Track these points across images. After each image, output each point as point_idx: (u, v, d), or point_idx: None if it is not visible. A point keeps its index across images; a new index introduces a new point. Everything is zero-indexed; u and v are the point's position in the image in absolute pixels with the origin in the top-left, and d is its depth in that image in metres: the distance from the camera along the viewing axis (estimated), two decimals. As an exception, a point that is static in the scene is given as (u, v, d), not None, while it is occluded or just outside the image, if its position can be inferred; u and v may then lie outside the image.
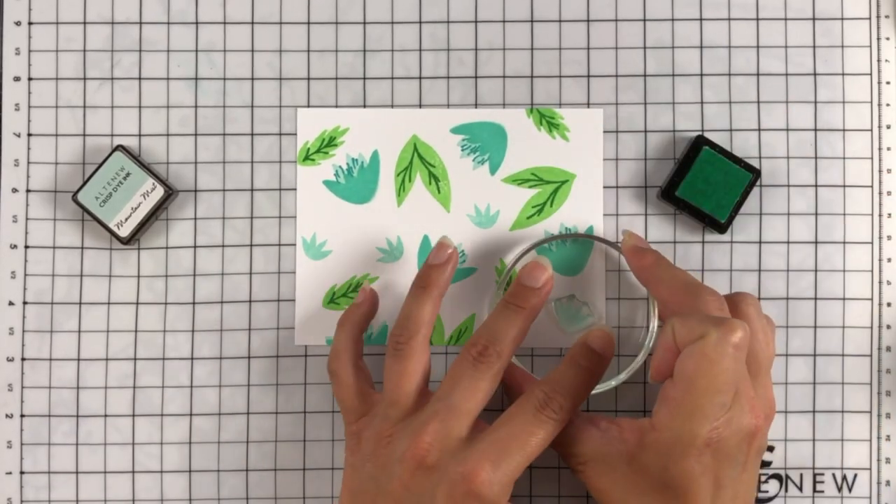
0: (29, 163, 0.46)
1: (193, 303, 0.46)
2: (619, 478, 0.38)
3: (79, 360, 0.46)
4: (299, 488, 0.46)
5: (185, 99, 0.46)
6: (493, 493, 0.37)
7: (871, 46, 0.46)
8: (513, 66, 0.47)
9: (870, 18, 0.46)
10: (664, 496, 0.36)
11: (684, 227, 0.46)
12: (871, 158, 0.46)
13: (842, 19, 0.46)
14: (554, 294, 0.46)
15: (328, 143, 0.46)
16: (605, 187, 0.46)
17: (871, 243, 0.46)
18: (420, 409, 0.40)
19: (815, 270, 0.46)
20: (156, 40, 0.47)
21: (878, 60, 0.46)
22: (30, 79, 0.47)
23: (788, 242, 0.46)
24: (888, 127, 0.46)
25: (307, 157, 0.46)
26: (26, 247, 0.46)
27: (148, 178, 0.45)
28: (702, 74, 0.46)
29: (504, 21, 0.47)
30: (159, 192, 0.45)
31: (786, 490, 0.46)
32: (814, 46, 0.46)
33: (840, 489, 0.46)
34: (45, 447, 0.46)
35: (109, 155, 0.45)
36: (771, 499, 0.46)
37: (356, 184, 0.46)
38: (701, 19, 0.47)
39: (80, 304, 0.46)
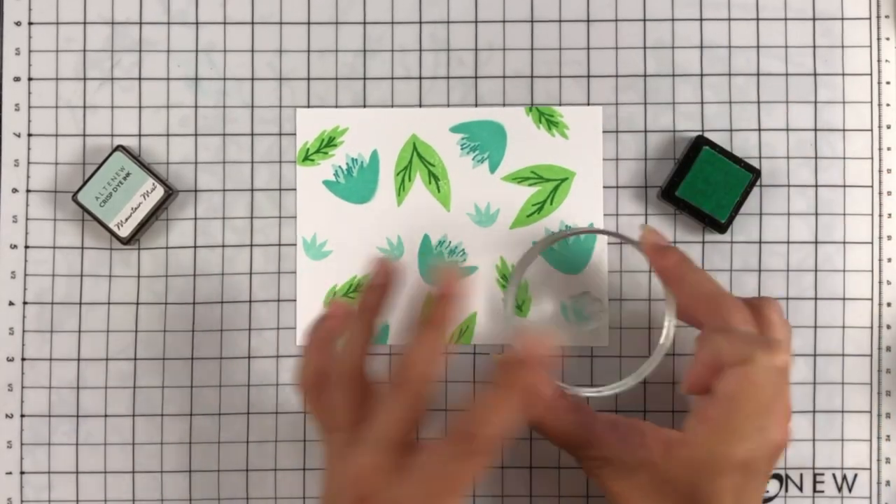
0: (29, 163, 0.46)
1: (193, 303, 0.46)
2: (637, 484, 0.37)
3: (79, 360, 0.46)
4: (299, 488, 0.46)
5: (185, 99, 0.47)
6: None
7: (871, 46, 0.46)
8: (513, 67, 0.47)
9: (870, 18, 0.46)
10: None
11: (684, 228, 0.46)
12: (871, 158, 0.46)
13: (842, 19, 0.46)
14: (556, 296, 0.46)
15: (327, 143, 0.46)
16: (605, 187, 0.46)
17: (872, 243, 0.46)
18: (355, 440, 0.37)
19: (815, 270, 0.46)
20: (156, 40, 0.47)
21: (878, 60, 0.46)
22: (30, 79, 0.47)
23: (788, 242, 0.46)
24: (888, 127, 0.46)
25: (307, 158, 0.46)
26: (26, 247, 0.46)
27: (148, 178, 0.45)
28: (702, 74, 0.46)
29: (504, 21, 0.47)
30: (159, 192, 0.45)
31: (786, 490, 0.46)
32: (814, 46, 0.46)
33: (840, 489, 0.46)
34: (45, 447, 0.46)
35: (109, 155, 0.45)
36: (771, 499, 0.46)
37: (356, 184, 0.46)
38: (701, 19, 0.47)
39: (80, 304, 0.46)
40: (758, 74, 0.46)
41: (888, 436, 0.46)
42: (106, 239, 0.46)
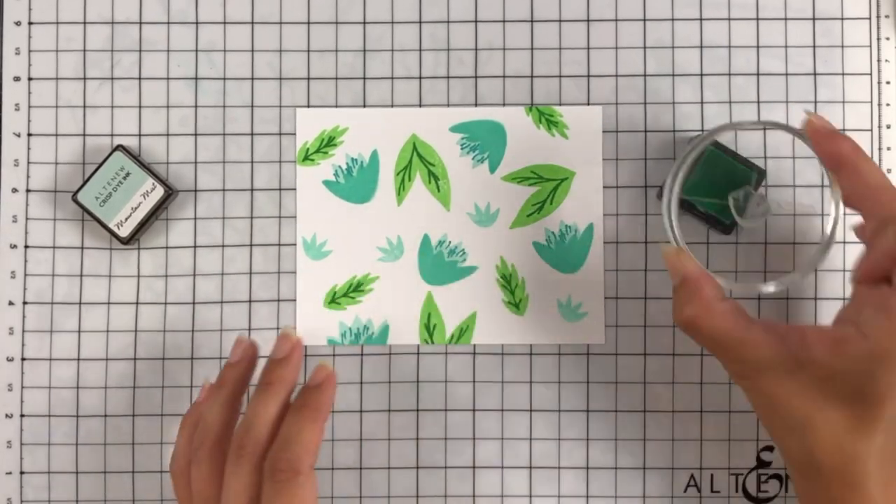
0: (29, 163, 0.46)
1: (193, 303, 0.46)
2: (797, 385, 0.37)
3: (79, 360, 0.46)
4: (299, 488, 0.46)
5: (185, 99, 0.47)
6: None
7: (871, 46, 0.46)
8: (513, 66, 0.47)
9: (870, 18, 0.46)
10: (853, 403, 0.36)
11: (688, 228, 0.46)
12: (872, 158, 0.46)
13: (842, 19, 0.46)
14: (553, 294, 0.46)
15: (327, 143, 0.46)
16: (605, 187, 0.46)
17: (872, 243, 0.46)
18: None
19: (816, 270, 0.46)
20: (156, 40, 0.47)
21: (878, 60, 0.46)
22: (30, 79, 0.47)
23: (794, 244, 0.46)
24: (888, 127, 0.46)
25: (307, 158, 0.46)
26: (26, 247, 0.46)
27: (148, 178, 0.45)
28: (702, 74, 0.46)
29: (504, 21, 0.47)
30: (159, 192, 0.45)
31: (786, 490, 0.46)
32: (814, 46, 0.46)
33: (841, 489, 0.46)
34: (45, 447, 0.46)
35: (109, 155, 0.45)
36: (771, 499, 0.46)
37: (356, 183, 0.46)
38: (701, 19, 0.47)
39: (80, 304, 0.46)
40: (758, 74, 0.46)
41: (889, 436, 0.46)
42: (106, 239, 0.46)
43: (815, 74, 0.46)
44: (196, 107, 0.47)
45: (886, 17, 0.46)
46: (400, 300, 0.46)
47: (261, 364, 0.41)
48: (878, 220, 0.37)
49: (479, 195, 0.46)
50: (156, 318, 0.46)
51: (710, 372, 0.46)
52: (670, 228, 0.41)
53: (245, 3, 0.47)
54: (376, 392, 0.46)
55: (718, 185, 0.44)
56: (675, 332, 0.46)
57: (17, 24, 0.47)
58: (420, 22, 0.47)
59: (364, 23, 0.47)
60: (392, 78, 0.47)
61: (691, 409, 0.46)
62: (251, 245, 0.46)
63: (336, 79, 0.47)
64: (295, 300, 0.46)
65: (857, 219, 0.39)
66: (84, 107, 0.46)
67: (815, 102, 0.46)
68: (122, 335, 0.46)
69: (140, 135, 0.46)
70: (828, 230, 0.40)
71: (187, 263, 0.46)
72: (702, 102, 0.46)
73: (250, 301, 0.46)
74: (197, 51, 0.47)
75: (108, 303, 0.46)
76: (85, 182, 0.45)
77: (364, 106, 0.47)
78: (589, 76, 0.47)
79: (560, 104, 0.46)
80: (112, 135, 0.46)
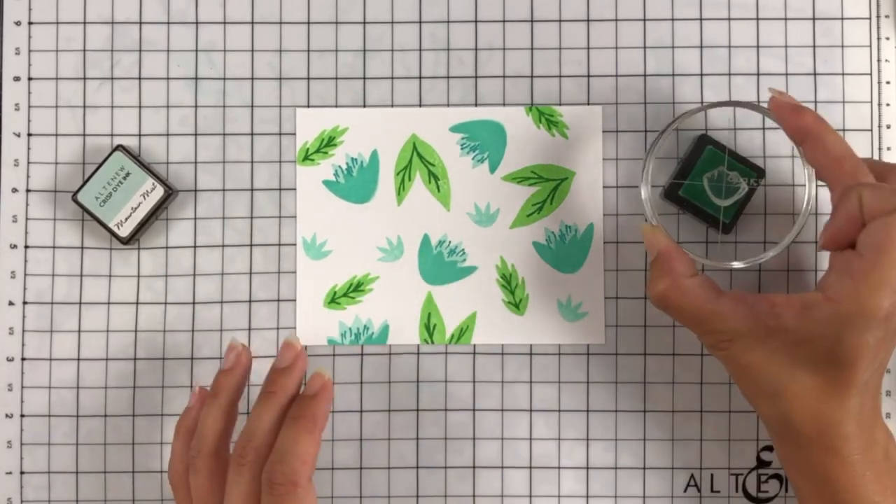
0: (29, 163, 0.46)
1: (193, 303, 0.46)
2: (769, 352, 0.38)
3: (79, 360, 0.46)
4: (299, 488, 0.46)
5: (185, 99, 0.47)
6: None
7: (871, 46, 0.46)
8: (513, 66, 0.47)
9: (870, 18, 0.46)
10: (824, 367, 0.37)
11: (687, 227, 0.46)
12: (871, 158, 0.46)
13: (842, 19, 0.46)
14: (553, 294, 0.46)
15: (327, 142, 0.46)
16: (605, 187, 0.46)
17: (872, 243, 0.46)
18: None
19: (816, 270, 0.46)
20: (156, 40, 0.47)
21: (878, 60, 0.46)
22: (30, 79, 0.47)
23: (792, 242, 0.46)
24: (888, 127, 0.46)
25: (306, 158, 0.46)
26: (26, 247, 0.46)
27: (148, 178, 0.45)
28: (702, 74, 0.46)
29: (504, 21, 0.47)
30: (159, 192, 0.45)
31: (786, 490, 0.46)
32: (814, 46, 0.46)
33: (841, 489, 0.46)
34: (45, 447, 0.46)
35: (109, 155, 0.45)
36: (771, 499, 0.46)
37: (356, 183, 0.46)
38: (701, 19, 0.47)
39: (80, 304, 0.46)
40: (758, 74, 0.46)
41: (888, 436, 0.46)
42: (106, 239, 0.46)
43: (815, 74, 0.46)
44: (196, 107, 0.47)
45: (886, 17, 0.46)
46: (400, 300, 0.46)
47: (262, 369, 0.41)
48: (841, 188, 0.38)
49: (479, 195, 0.46)
50: (156, 318, 0.46)
51: (710, 372, 0.46)
52: (645, 204, 0.43)
53: (245, 3, 0.47)
54: (376, 392, 0.46)
55: (717, 183, 0.44)
56: (676, 332, 0.46)
57: (17, 24, 0.47)
58: (420, 22, 0.47)
59: (364, 23, 0.47)
60: (392, 78, 0.47)
61: (691, 409, 0.46)
62: (251, 245, 0.46)
63: (336, 79, 0.47)
64: (295, 300, 0.46)
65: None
66: (84, 107, 0.46)
67: (815, 102, 0.46)
68: (122, 335, 0.46)
69: (140, 135, 0.46)
70: (804, 205, 0.42)
71: (187, 263, 0.46)
72: (702, 102, 0.46)
73: (250, 301, 0.46)
74: (197, 51, 0.47)
75: (108, 303, 0.46)
76: (85, 182, 0.45)
77: (364, 106, 0.47)
78: (589, 76, 0.47)
79: (560, 104, 0.46)
80: (112, 135, 0.46)
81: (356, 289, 0.46)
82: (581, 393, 0.46)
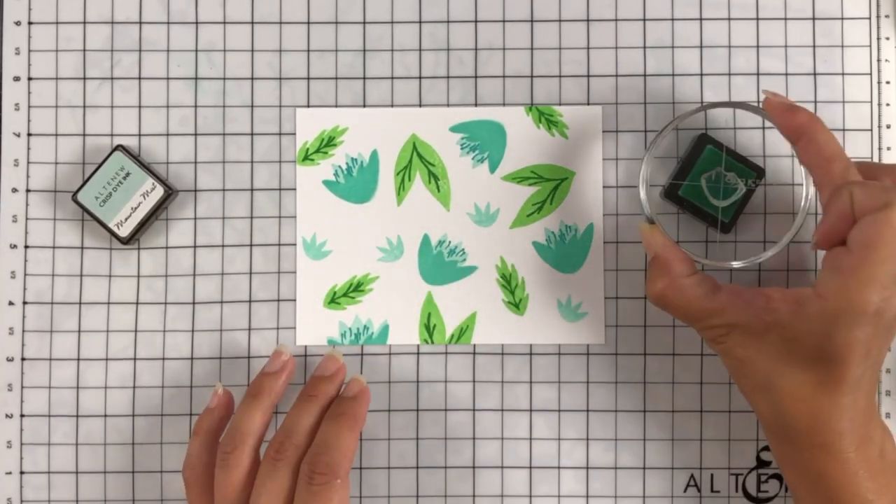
0: (29, 163, 0.46)
1: (193, 303, 0.46)
2: (765, 347, 0.38)
3: (79, 360, 0.46)
4: (299, 488, 0.46)
5: (185, 99, 0.47)
6: None
7: (871, 46, 0.46)
8: (513, 66, 0.47)
9: (870, 18, 0.46)
10: (816, 364, 0.37)
11: (687, 227, 0.46)
12: (871, 158, 0.46)
13: (842, 19, 0.46)
14: (553, 294, 0.46)
15: (327, 143, 0.46)
16: (605, 187, 0.46)
17: (872, 243, 0.46)
18: None
19: (816, 269, 0.46)
20: (156, 40, 0.47)
21: (878, 60, 0.46)
22: (30, 79, 0.47)
23: (791, 242, 0.46)
24: (888, 127, 0.46)
25: (306, 158, 0.46)
26: (26, 247, 0.46)
27: (148, 178, 0.45)
28: (702, 74, 0.46)
29: (504, 21, 0.47)
30: (159, 192, 0.45)
31: (786, 490, 0.46)
32: (814, 46, 0.46)
33: (841, 489, 0.46)
34: (45, 447, 0.46)
35: (109, 155, 0.45)
36: (771, 499, 0.46)
37: (356, 183, 0.46)
38: (701, 19, 0.47)
39: (80, 304, 0.46)
40: (758, 74, 0.46)
41: (888, 436, 0.46)
42: (106, 239, 0.46)
43: (815, 74, 0.46)
44: (196, 107, 0.47)
45: (886, 17, 0.46)
46: (400, 300, 0.46)
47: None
48: (832, 188, 0.38)
49: (479, 195, 0.46)
50: (156, 318, 0.46)
51: (710, 372, 0.46)
52: (643, 203, 0.43)
53: (245, 3, 0.47)
54: (376, 392, 0.46)
55: (715, 184, 0.44)
56: (676, 332, 0.46)
57: (17, 24, 0.47)
58: (420, 22, 0.47)
59: (364, 23, 0.47)
60: (392, 78, 0.47)
61: (691, 409, 0.46)
62: (251, 245, 0.46)
63: (336, 79, 0.47)
64: (295, 300, 0.46)
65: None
66: (84, 107, 0.46)
67: (815, 102, 0.46)
68: (122, 335, 0.46)
69: (140, 135, 0.46)
70: (802, 202, 0.42)
71: (187, 263, 0.46)
72: (702, 102, 0.46)
73: (250, 301, 0.46)
74: (197, 51, 0.47)
75: (108, 303, 0.46)
76: (85, 182, 0.45)
77: (364, 106, 0.47)
78: (589, 76, 0.46)
79: (560, 104, 0.46)
80: (112, 135, 0.46)
81: (356, 289, 0.46)
82: (581, 393, 0.46)
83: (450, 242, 0.46)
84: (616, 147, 0.46)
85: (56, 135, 0.46)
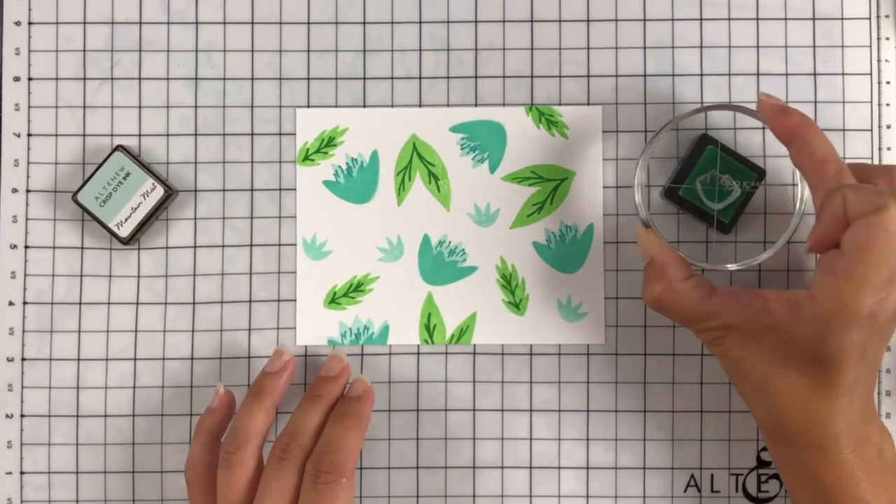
0: (29, 163, 0.46)
1: (193, 303, 0.46)
2: (760, 349, 0.38)
3: (79, 360, 0.46)
4: (299, 488, 0.46)
5: (185, 99, 0.47)
6: None
7: (871, 46, 0.46)
8: (513, 66, 0.47)
9: (870, 18, 0.46)
10: (811, 366, 0.37)
11: (687, 227, 0.46)
12: (871, 158, 0.46)
13: (842, 19, 0.46)
14: (553, 294, 0.46)
15: (327, 143, 0.46)
16: (605, 187, 0.46)
17: (872, 243, 0.46)
18: None
19: (815, 271, 0.46)
20: (156, 40, 0.47)
21: (878, 60, 0.46)
22: (30, 79, 0.47)
23: (790, 242, 0.46)
24: (888, 127, 0.46)
25: (306, 158, 0.46)
26: (26, 247, 0.46)
27: (148, 178, 0.45)
28: (702, 74, 0.46)
29: (504, 21, 0.47)
30: (159, 192, 0.45)
31: (786, 490, 0.46)
32: (814, 46, 0.46)
33: (841, 489, 0.46)
34: (45, 447, 0.46)
35: (109, 155, 0.45)
36: (771, 499, 0.46)
37: (356, 184, 0.46)
38: (701, 19, 0.47)
39: (80, 304, 0.46)
40: (758, 74, 0.46)
41: (888, 436, 0.46)
42: (106, 239, 0.46)
43: (815, 74, 0.46)
44: (196, 107, 0.47)
45: (886, 17, 0.46)
46: (400, 300, 0.46)
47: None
48: (825, 190, 0.38)
49: (479, 195, 0.46)
50: (156, 318, 0.46)
51: (710, 372, 0.46)
52: (639, 206, 0.43)
53: (245, 3, 0.47)
54: (376, 392, 0.46)
55: (710, 187, 0.44)
56: (675, 332, 0.46)
57: (17, 24, 0.47)
58: (420, 22, 0.47)
59: (364, 23, 0.47)
60: (392, 78, 0.47)
61: (691, 409, 0.46)
62: (251, 245, 0.46)
63: (336, 79, 0.47)
64: (295, 300, 0.46)
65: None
66: (84, 107, 0.46)
67: (815, 102, 0.46)
68: (122, 335, 0.46)
69: (140, 135, 0.46)
70: (796, 205, 0.43)
71: (187, 263, 0.46)
72: (702, 102, 0.46)
73: (250, 301, 0.46)
74: (197, 51, 0.47)
75: (108, 303, 0.46)
76: (85, 182, 0.45)
77: (364, 106, 0.47)
78: (589, 76, 0.47)
79: (560, 104, 0.46)
80: (112, 135, 0.46)
81: (356, 289, 0.46)
82: (581, 393, 0.46)
83: (450, 242, 0.46)
84: (616, 147, 0.46)
85: (56, 135, 0.46)
